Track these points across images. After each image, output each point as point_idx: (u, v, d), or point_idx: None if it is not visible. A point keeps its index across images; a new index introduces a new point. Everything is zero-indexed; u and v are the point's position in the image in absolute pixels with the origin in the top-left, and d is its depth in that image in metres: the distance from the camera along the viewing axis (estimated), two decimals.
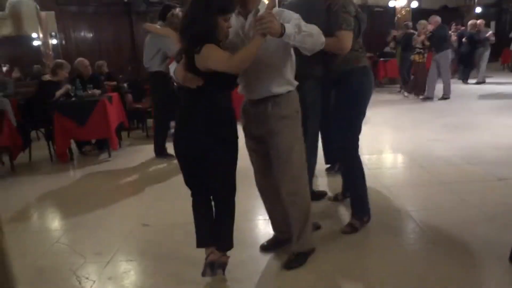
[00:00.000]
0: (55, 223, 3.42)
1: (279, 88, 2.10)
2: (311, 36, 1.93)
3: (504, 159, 4.03)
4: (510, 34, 12.24)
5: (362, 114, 2.65)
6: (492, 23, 15.92)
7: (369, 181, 3.12)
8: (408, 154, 4.50)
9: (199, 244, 2.21)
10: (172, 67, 2.10)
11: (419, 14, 9.14)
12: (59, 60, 5.99)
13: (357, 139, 2.66)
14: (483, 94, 8.48)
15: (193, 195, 2.22)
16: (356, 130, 2.64)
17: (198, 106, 2.00)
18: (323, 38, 2.01)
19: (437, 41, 7.83)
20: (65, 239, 2.94)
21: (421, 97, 8.27)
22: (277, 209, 2.40)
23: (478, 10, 13.70)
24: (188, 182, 2.19)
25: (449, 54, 8.03)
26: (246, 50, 1.84)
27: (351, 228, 2.72)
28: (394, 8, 11.73)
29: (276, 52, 2.04)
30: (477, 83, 10.11)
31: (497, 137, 4.87)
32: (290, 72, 2.15)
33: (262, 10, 2.01)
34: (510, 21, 14.93)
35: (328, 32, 2.28)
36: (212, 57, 1.86)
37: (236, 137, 2.09)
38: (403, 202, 3.16)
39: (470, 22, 10.24)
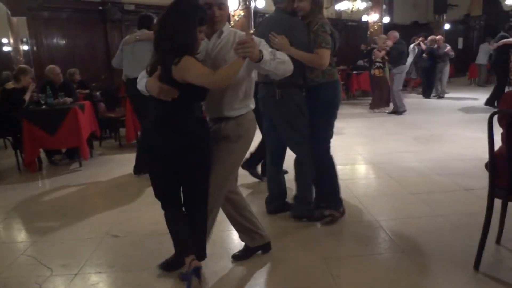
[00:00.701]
0: (21, 234, 3.30)
1: (230, 112, 2.17)
2: (283, 63, 2.09)
3: (470, 171, 4.16)
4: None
5: (333, 121, 3.00)
6: (460, 39, 16.59)
7: (342, 192, 3.18)
8: (379, 165, 4.59)
9: (185, 253, 2.16)
10: (142, 80, 2.06)
11: (391, 29, 9.41)
12: (22, 66, 5.86)
13: (328, 143, 3.02)
14: (451, 108, 8.78)
15: (165, 208, 2.18)
16: (327, 135, 2.99)
17: (174, 117, 1.99)
18: (291, 66, 2.18)
19: (395, 56, 8.04)
20: (32, 251, 2.85)
21: (387, 111, 8.45)
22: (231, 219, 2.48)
23: (447, 26, 14.23)
24: (160, 194, 2.16)
25: (404, 69, 8.25)
26: (229, 69, 1.91)
27: (332, 218, 3.02)
28: (367, 23, 12.05)
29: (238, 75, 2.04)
30: (438, 97, 10.49)
31: (464, 149, 5.04)
32: (246, 95, 2.21)
33: (226, 32, 2.14)
34: (477, 38, 15.55)
35: (308, 49, 2.71)
36: (192, 70, 1.86)
37: (209, 145, 2.11)
38: (374, 212, 3.22)
39: (430, 38, 10.57)
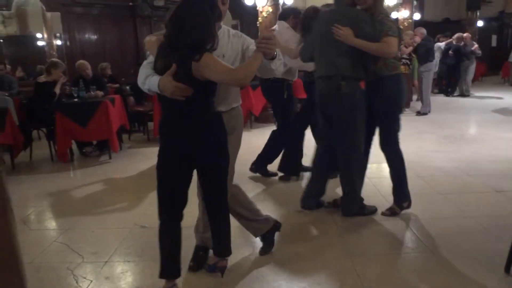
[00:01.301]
0: (53, 222, 3.43)
1: (226, 106, 2.24)
2: (281, 64, 2.26)
3: (501, 172, 4.05)
4: None
5: (399, 114, 3.00)
6: (494, 37, 16.02)
7: (369, 190, 3.16)
8: (407, 164, 4.47)
9: (166, 275, 2.06)
10: (151, 79, 1.94)
11: (422, 26, 9.20)
12: (53, 60, 6.04)
13: (397, 137, 3.01)
14: (479, 108, 8.52)
15: (165, 215, 2.04)
16: (394, 129, 2.99)
17: (192, 114, 1.92)
18: (282, 68, 2.39)
19: (423, 53, 7.85)
20: (63, 238, 2.96)
21: (415, 112, 8.24)
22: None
23: (480, 23, 13.79)
24: (165, 200, 2.02)
25: (432, 67, 8.05)
26: (250, 65, 1.89)
27: (392, 212, 3.08)
28: (397, 19, 11.81)
29: None
30: (461, 95, 10.22)
31: (495, 150, 4.89)
32: (237, 89, 2.33)
33: (221, 27, 2.20)
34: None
35: (374, 40, 2.70)
36: (214, 67, 1.82)
37: (227, 141, 2.09)
38: (401, 212, 3.18)
39: (456, 35, 10.24)
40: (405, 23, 11.34)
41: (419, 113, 7.89)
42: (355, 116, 2.86)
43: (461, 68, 10.12)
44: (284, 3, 7.63)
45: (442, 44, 10.33)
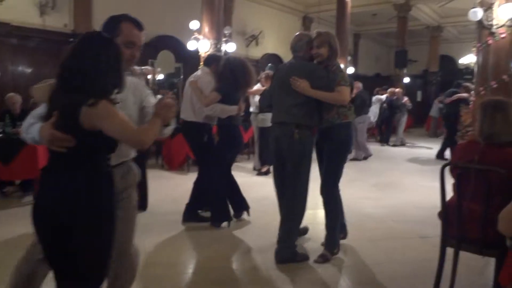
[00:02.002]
0: None
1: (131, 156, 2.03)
2: (171, 130, 2.00)
3: (426, 218, 4.27)
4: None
5: (345, 160, 3.26)
6: (419, 92, 17.53)
7: (304, 237, 3.19)
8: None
9: None
10: (33, 127, 1.74)
11: (355, 79, 9.85)
12: None
13: (339, 181, 3.21)
14: (409, 157, 9.13)
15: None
16: (339, 173, 3.19)
17: (76, 172, 1.59)
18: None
19: (359, 105, 8.39)
20: None
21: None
22: None
23: (407, 80, 15.03)
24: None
25: (366, 119, 8.64)
26: (151, 130, 1.69)
27: (324, 259, 3.12)
28: None
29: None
30: (394, 145, 11.03)
31: (421, 197, 5.21)
32: None
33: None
34: (435, 92, 16.47)
35: (328, 90, 3.00)
36: (112, 121, 1.57)
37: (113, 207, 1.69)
38: (332, 258, 3.23)
39: (389, 90, 11.24)
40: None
41: (355, 159, 8.31)
42: (303, 164, 3.08)
43: (394, 119, 10.98)
44: (226, 50, 7.86)
45: (383, 97, 11.15)
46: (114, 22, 1.93)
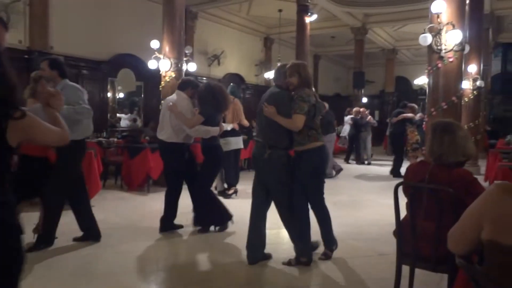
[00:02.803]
0: None
1: None
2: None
3: (384, 236, 4.38)
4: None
5: (323, 178, 3.62)
6: (376, 112, 18.17)
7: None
8: None
9: None
10: None
11: None
12: None
13: (322, 195, 3.59)
14: (368, 175, 9.38)
15: None
16: (319, 190, 3.56)
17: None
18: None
19: (325, 124, 8.61)
20: None
21: None
22: None
23: (365, 100, 15.56)
24: None
25: (332, 138, 8.87)
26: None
27: (326, 256, 3.62)
28: None
29: None
30: (361, 163, 11.38)
31: (379, 215, 5.34)
32: None
33: None
34: (391, 111, 17.14)
35: (288, 116, 3.32)
36: (39, 127, 1.51)
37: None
38: (290, 279, 3.23)
39: (354, 109, 11.62)
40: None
41: (328, 177, 8.47)
42: (276, 178, 3.41)
43: (360, 138, 11.29)
44: (187, 70, 7.85)
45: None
46: None
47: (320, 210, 3.62)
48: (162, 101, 5.48)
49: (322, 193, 3.61)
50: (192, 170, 4.54)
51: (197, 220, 4.53)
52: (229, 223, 4.57)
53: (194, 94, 4.48)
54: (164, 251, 3.98)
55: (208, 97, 4.28)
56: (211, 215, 4.48)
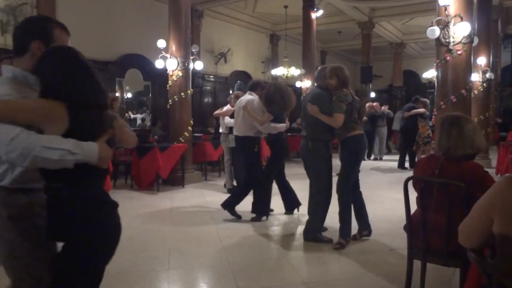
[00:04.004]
0: None
1: None
2: None
3: (395, 231, 4.36)
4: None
5: (358, 166, 4.05)
6: (385, 106, 18.05)
7: (274, 249, 3.17)
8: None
9: None
10: (91, 145, 1.53)
11: None
12: None
13: (351, 183, 3.97)
14: (378, 169, 9.33)
15: None
16: (350, 177, 3.97)
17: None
18: None
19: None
20: None
21: None
22: None
23: (373, 94, 15.47)
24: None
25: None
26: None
27: (340, 245, 3.81)
28: (300, 88, 12.79)
29: None
30: (379, 159, 11.31)
31: (389, 210, 5.32)
32: None
33: None
34: (399, 106, 17.02)
35: (329, 114, 3.82)
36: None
37: None
38: (302, 274, 3.23)
39: (367, 105, 11.52)
40: (308, 91, 12.30)
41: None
42: (319, 168, 3.93)
43: (375, 133, 11.18)
44: (194, 68, 7.87)
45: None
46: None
47: (341, 192, 3.93)
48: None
49: (350, 179, 3.95)
50: (257, 160, 5.08)
51: (254, 208, 4.91)
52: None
53: (261, 95, 4.99)
54: (175, 249, 3.99)
55: (276, 97, 4.71)
56: (265, 204, 4.93)
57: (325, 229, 4.20)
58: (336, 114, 3.80)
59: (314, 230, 4.01)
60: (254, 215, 4.89)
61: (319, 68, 4.20)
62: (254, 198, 4.95)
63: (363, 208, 4.16)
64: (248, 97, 5.15)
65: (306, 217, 4.35)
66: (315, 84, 4.20)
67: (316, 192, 3.99)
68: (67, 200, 1.49)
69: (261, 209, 4.90)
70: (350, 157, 3.95)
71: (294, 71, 12.69)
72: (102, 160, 1.50)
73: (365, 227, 4.15)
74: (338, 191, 3.94)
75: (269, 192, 4.97)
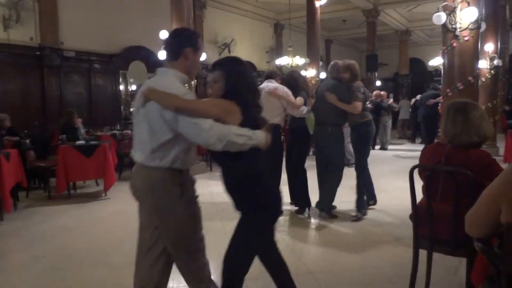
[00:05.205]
0: None
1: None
2: None
3: (401, 220, 4.34)
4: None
5: (369, 147, 4.74)
6: (391, 95, 17.89)
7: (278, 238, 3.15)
8: (314, 215, 4.67)
9: None
10: (258, 133, 1.97)
11: None
12: None
13: (366, 160, 4.66)
14: (383, 158, 9.26)
15: None
16: (364, 156, 4.65)
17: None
18: None
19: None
20: None
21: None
22: None
23: (378, 83, 15.33)
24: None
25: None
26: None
27: (357, 218, 4.46)
28: (305, 77, 12.70)
29: None
30: (382, 148, 11.11)
31: (395, 199, 5.28)
32: None
33: None
34: (406, 94, 16.85)
35: (348, 102, 4.38)
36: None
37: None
38: (307, 264, 3.21)
39: (375, 93, 11.24)
40: (313, 81, 12.23)
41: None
42: (336, 147, 4.47)
43: (379, 123, 10.94)
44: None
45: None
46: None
47: (358, 170, 4.60)
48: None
49: (364, 158, 4.60)
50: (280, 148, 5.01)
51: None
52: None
53: (283, 82, 5.00)
54: None
55: (301, 82, 4.94)
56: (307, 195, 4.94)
57: (334, 206, 4.67)
58: (355, 103, 4.37)
59: (328, 203, 4.51)
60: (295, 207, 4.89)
61: (332, 63, 4.74)
62: (292, 190, 4.92)
63: (371, 184, 4.88)
64: (274, 83, 4.90)
65: (311, 208, 4.53)
66: (330, 77, 4.65)
67: (334, 168, 4.50)
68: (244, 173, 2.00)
69: (304, 201, 4.82)
70: (362, 139, 4.57)
71: (299, 60, 12.58)
72: (266, 145, 1.94)
73: (371, 198, 4.87)
74: (356, 169, 4.60)
75: (306, 182, 4.86)
